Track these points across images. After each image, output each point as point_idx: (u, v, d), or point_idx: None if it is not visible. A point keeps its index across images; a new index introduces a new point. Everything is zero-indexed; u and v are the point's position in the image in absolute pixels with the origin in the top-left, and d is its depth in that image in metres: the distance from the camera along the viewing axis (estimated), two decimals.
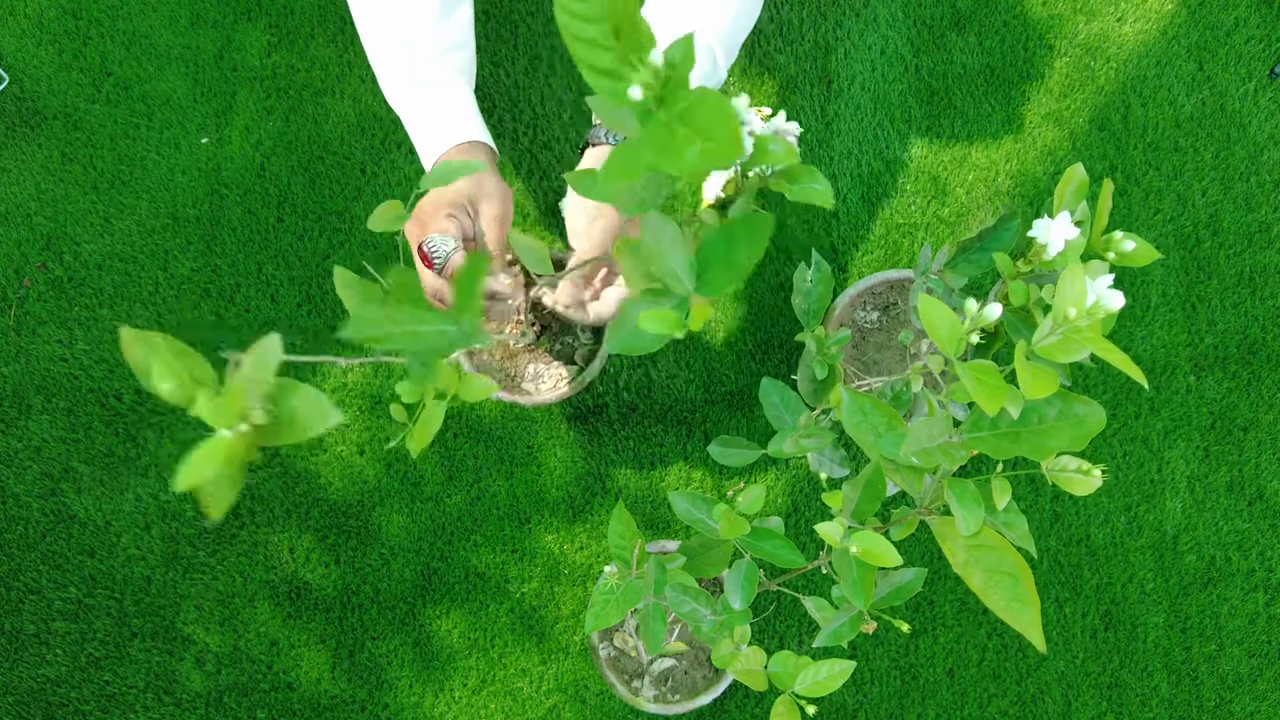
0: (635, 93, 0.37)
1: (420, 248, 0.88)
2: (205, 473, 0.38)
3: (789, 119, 1.37)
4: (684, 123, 0.36)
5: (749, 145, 0.43)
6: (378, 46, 1.02)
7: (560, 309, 1.01)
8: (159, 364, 0.42)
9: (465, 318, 0.46)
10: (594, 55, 0.37)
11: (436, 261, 0.86)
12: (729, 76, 1.39)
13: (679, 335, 0.46)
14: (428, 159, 1.00)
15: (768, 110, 1.43)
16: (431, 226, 0.89)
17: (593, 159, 0.92)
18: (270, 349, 0.43)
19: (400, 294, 0.47)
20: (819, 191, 0.48)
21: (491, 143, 0.99)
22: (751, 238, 0.45)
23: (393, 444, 0.69)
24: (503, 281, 0.99)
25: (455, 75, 1.01)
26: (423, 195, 0.85)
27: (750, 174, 0.51)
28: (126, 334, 0.44)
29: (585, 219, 0.96)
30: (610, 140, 0.92)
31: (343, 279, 0.57)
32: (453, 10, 1.02)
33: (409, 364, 0.49)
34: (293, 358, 0.51)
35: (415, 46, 1.00)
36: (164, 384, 0.42)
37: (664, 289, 0.47)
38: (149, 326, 1.32)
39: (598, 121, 0.91)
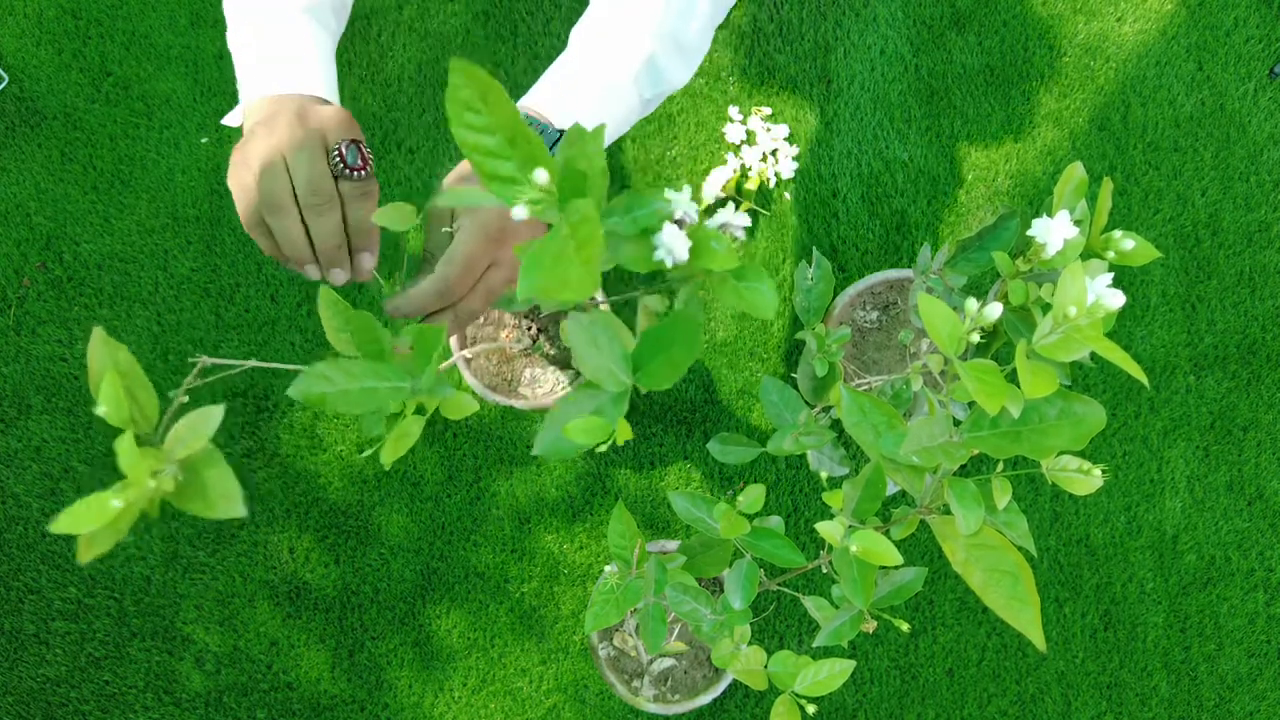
0: (519, 212, 0.38)
1: (341, 153, 0.74)
2: (85, 527, 0.39)
3: (787, 122, 1.37)
4: (572, 238, 0.36)
5: (683, 245, 0.43)
6: None
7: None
8: (110, 382, 0.42)
9: (423, 374, 0.46)
10: (494, 165, 0.38)
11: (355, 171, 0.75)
12: (729, 86, 1.39)
13: (603, 446, 0.46)
14: (253, 97, 0.80)
15: (768, 110, 1.43)
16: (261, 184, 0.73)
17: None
18: (209, 419, 0.43)
19: (358, 341, 0.47)
20: (762, 295, 0.46)
21: (327, 94, 0.82)
22: (688, 335, 0.45)
23: (366, 453, 0.68)
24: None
25: (300, 15, 0.84)
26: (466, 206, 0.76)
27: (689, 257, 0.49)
28: (98, 335, 0.44)
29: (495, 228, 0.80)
30: None
31: (326, 300, 0.57)
32: None
33: (364, 420, 0.49)
34: (267, 364, 0.51)
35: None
36: (105, 403, 0.42)
37: (596, 384, 0.48)
38: (148, 326, 1.32)
39: (520, 106, 0.81)
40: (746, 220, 0.49)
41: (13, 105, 1.38)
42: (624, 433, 0.48)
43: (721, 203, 1.35)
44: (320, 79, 0.81)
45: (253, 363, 0.53)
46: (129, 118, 1.38)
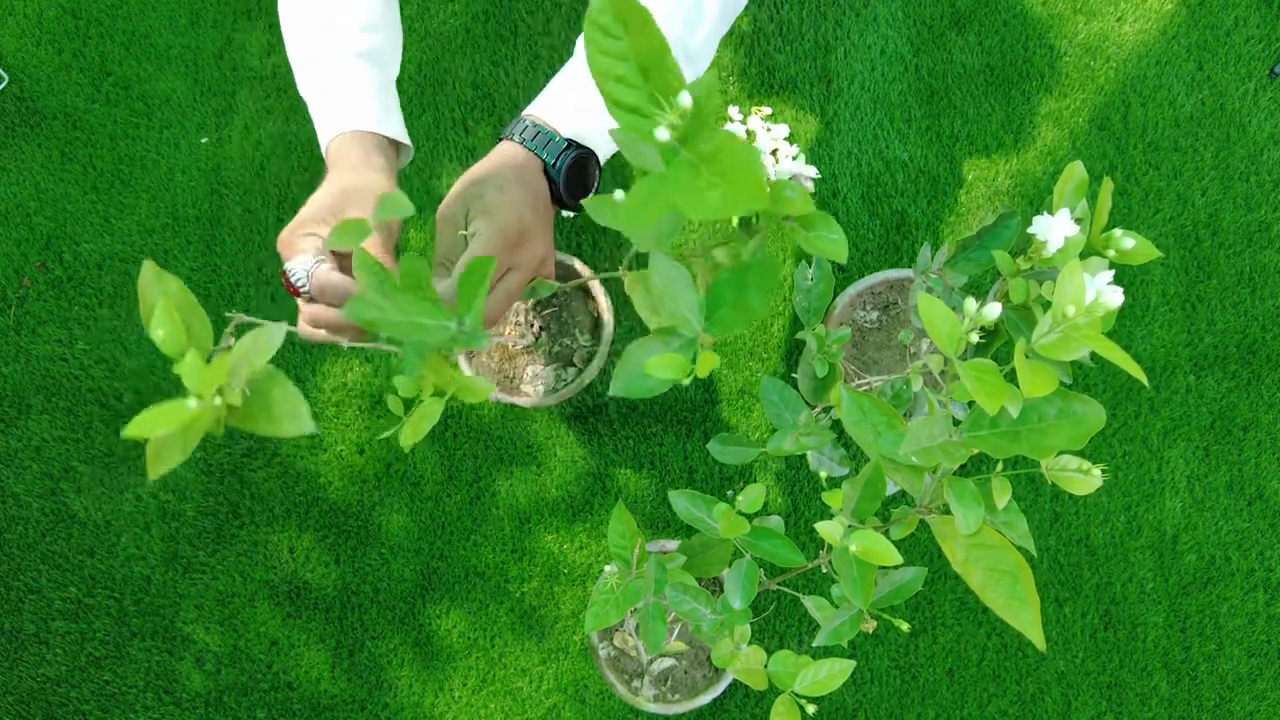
0: (662, 134, 0.37)
1: (282, 276, 0.77)
2: (158, 429, 0.38)
3: (787, 122, 1.37)
4: (708, 165, 0.35)
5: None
6: (288, 24, 0.91)
7: None
8: (164, 307, 0.42)
9: (468, 318, 0.46)
10: (622, 92, 0.37)
11: (301, 287, 0.76)
12: (724, 75, 1.39)
13: (685, 381, 0.46)
14: (323, 145, 0.86)
15: (768, 110, 1.43)
16: (295, 248, 0.78)
17: (497, 155, 0.81)
18: (273, 335, 0.43)
19: (407, 282, 0.47)
20: (833, 243, 0.47)
21: (395, 133, 0.87)
22: (763, 280, 0.45)
23: (386, 434, 0.68)
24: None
25: (356, 60, 0.88)
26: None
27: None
28: (148, 267, 0.43)
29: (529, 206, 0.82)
30: (525, 139, 0.81)
31: (361, 261, 0.56)
32: (384, 26, 0.91)
33: (405, 355, 0.48)
34: (294, 328, 0.51)
35: (320, 25, 0.89)
36: (160, 329, 0.42)
37: (672, 329, 0.47)
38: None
39: (526, 114, 0.82)
40: (816, 172, 0.49)
41: (13, 105, 1.38)
42: (708, 363, 0.48)
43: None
44: (376, 116, 0.85)
45: (285, 324, 0.52)
46: (129, 118, 1.38)
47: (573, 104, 0.82)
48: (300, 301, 0.76)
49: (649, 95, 0.37)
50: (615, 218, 0.37)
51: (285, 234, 0.77)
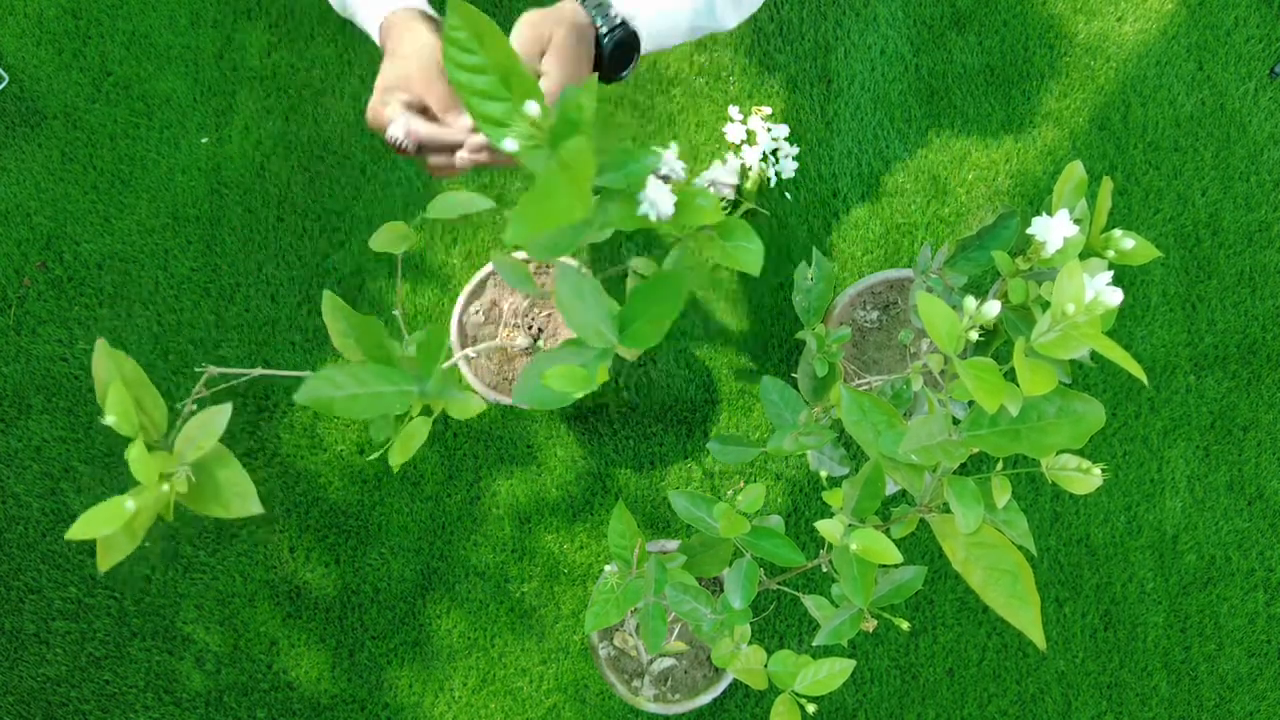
0: (509, 144, 0.37)
1: (388, 142, 0.86)
2: (101, 530, 0.39)
3: (787, 122, 1.37)
4: (564, 172, 0.36)
5: (668, 201, 0.43)
6: None
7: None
8: (116, 391, 0.42)
9: (429, 378, 0.46)
10: (487, 107, 0.38)
11: (405, 147, 0.85)
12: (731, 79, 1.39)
13: (581, 394, 0.46)
14: (372, 28, 0.93)
15: (768, 110, 1.43)
16: (384, 117, 0.86)
17: (565, 11, 0.86)
18: (217, 419, 0.43)
19: (364, 346, 0.47)
20: (749, 253, 0.46)
21: (431, 10, 0.94)
22: (674, 294, 0.45)
23: (373, 456, 0.68)
24: (461, 126, 0.89)
25: None
26: (447, 217, 0.83)
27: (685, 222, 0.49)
28: (101, 347, 0.44)
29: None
30: (584, 3, 0.87)
31: (330, 305, 0.57)
32: None
33: (372, 425, 0.49)
34: (273, 372, 0.51)
35: None
36: (113, 413, 0.42)
37: (582, 342, 0.47)
38: (148, 326, 1.32)
39: None
40: (734, 178, 0.49)
41: (13, 105, 1.38)
42: (601, 375, 0.47)
43: (734, 200, 1.35)
44: None
45: (259, 371, 0.53)
46: (129, 118, 1.38)
47: None
48: (418, 157, 0.86)
49: (508, 109, 0.38)
50: (514, 216, 0.38)
51: (371, 108, 0.85)
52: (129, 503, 0.40)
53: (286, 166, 1.36)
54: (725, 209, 0.57)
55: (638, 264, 0.57)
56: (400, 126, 0.84)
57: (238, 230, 1.35)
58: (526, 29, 0.84)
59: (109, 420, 0.42)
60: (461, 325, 1.19)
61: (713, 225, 0.47)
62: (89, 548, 1.29)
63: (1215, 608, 1.28)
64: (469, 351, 1.10)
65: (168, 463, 0.42)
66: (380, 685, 1.28)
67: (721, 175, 0.48)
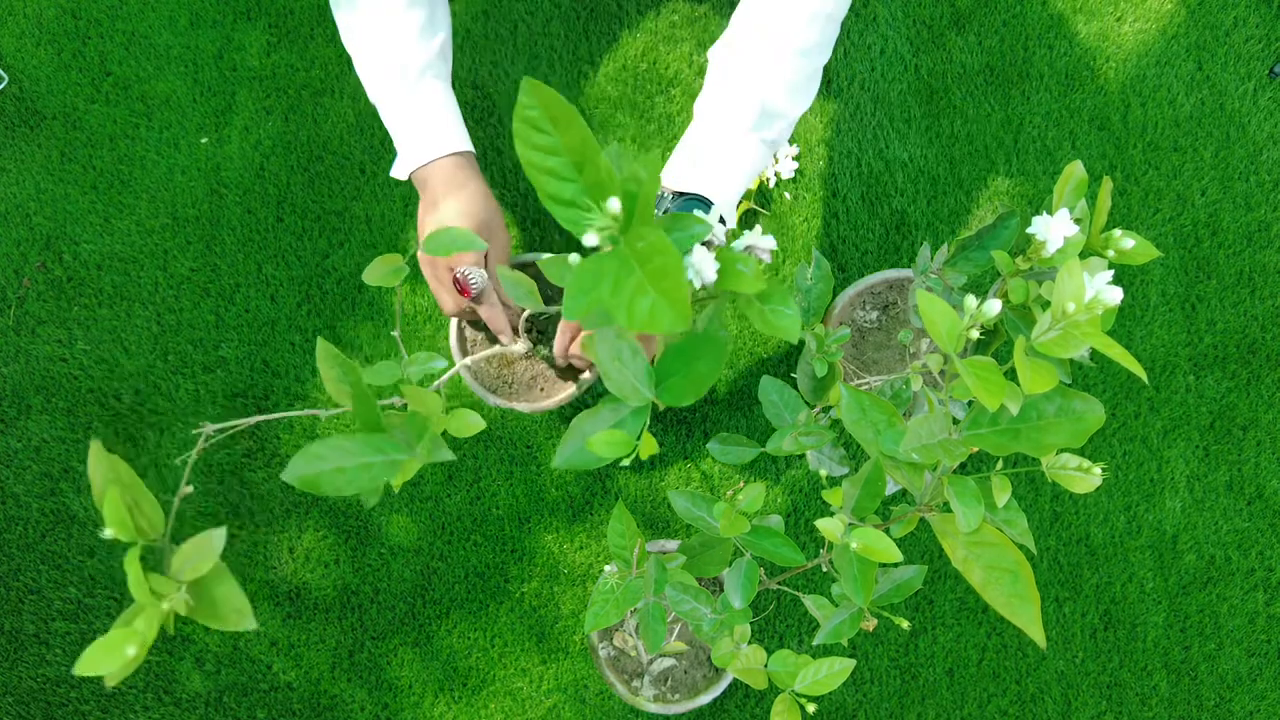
0: (590, 239, 0.37)
1: (456, 278, 1.00)
2: (106, 669, 0.41)
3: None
4: (641, 265, 0.36)
5: (712, 268, 0.43)
6: (364, 60, 1.06)
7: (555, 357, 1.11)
8: (113, 500, 0.43)
9: (421, 444, 0.46)
10: (555, 186, 0.38)
11: (474, 289, 1.00)
12: None
13: (626, 460, 0.46)
14: (411, 164, 1.05)
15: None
16: (462, 258, 1.01)
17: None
18: (214, 542, 0.44)
19: (357, 411, 0.48)
20: (787, 319, 0.47)
21: (471, 147, 1.07)
22: (713, 352, 0.45)
23: (371, 504, 0.69)
24: (513, 310, 1.09)
25: (437, 85, 1.06)
26: (441, 255, 0.89)
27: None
28: (95, 450, 0.44)
29: None
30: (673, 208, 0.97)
31: (324, 352, 0.57)
32: (437, 23, 1.05)
33: (363, 496, 0.49)
34: (268, 417, 0.51)
35: (400, 59, 1.04)
36: (111, 524, 0.43)
37: (620, 398, 0.47)
38: (148, 326, 1.32)
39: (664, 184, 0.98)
40: (773, 243, 0.49)
41: (12, 105, 1.38)
42: (648, 448, 0.48)
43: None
44: (453, 135, 1.05)
45: (257, 418, 0.53)
46: (129, 118, 1.38)
47: (685, 161, 0.98)
48: (447, 294, 1.04)
49: (583, 189, 0.38)
50: (562, 290, 0.38)
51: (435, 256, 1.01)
52: (130, 649, 0.41)
53: (286, 167, 1.36)
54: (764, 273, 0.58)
55: None
56: (481, 274, 0.99)
57: (237, 230, 1.35)
58: None
59: (107, 533, 0.43)
60: (461, 329, 1.19)
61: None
62: (89, 547, 1.29)
63: (1215, 607, 1.28)
64: (468, 361, 1.10)
65: (165, 585, 0.43)
66: (380, 685, 1.27)
67: (759, 241, 0.49)
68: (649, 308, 0.35)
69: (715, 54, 1.00)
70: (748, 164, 0.98)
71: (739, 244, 0.49)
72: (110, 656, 0.41)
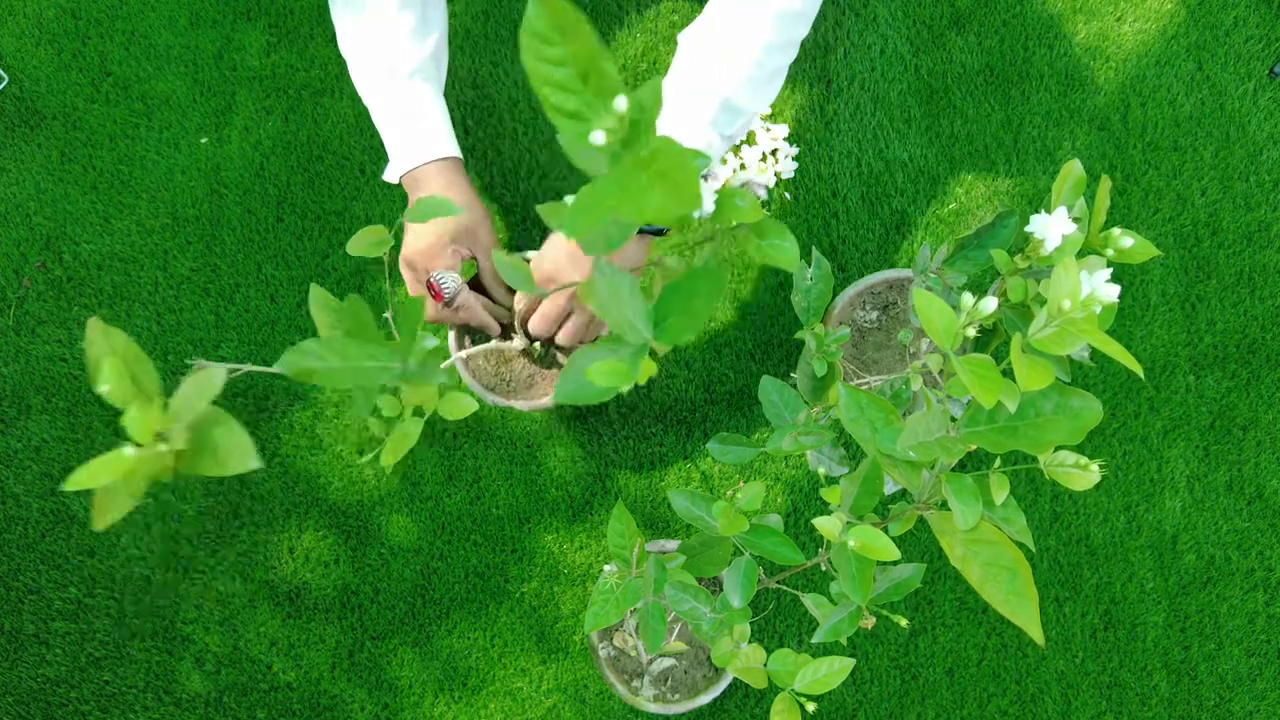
0: (598, 137, 0.37)
1: (429, 282, 0.99)
2: (100, 480, 0.39)
3: (787, 122, 1.37)
4: (646, 169, 0.36)
5: (710, 199, 0.43)
6: (356, 63, 1.07)
7: (532, 330, 1.10)
8: (111, 363, 0.42)
9: (410, 355, 0.46)
10: (561, 98, 0.38)
11: (446, 294, 0.98)
12: None
13: (625, 389, 0.46)
14: (401, 168, 1.05)
15: (767, 110, 1.42)
16: (437, 262, 1.00)
17: None
18: (214, 377, 0.43)
19: (348, 325, 0.47)
20: (785, 251, 0.47)
21: (459, 153, 1.08)
22: (711, 288, 0.45)
23: (366, 458, 0.69)
24: (508, 298, 1.10)
25: (426, 88, 1.07)
26: (420, 222, 0.89)
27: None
28: (94, 325, 0.44)
29: (566, 253, 1.02)
30: None
31: (318, 299, 0.57)
32: (430, 25, 1.06)
33: (353, 396, 0.49)
34: (264, 369, 0.51)
35: (390, 63, 1.05)
36: (106, 384, 0.42)
37: (619, 338, 0.47)
38: (148, 326, 1.32)
39: None
40: (770, 179, 0.50)
41: (12, 105, 1.38)
42: (648, 370, 0.48)
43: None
44: (440, 140, 1.05)
45: (249, 366, 0.53)
46: (129, 118, 1.38)
47: None
48: (439, 305, 1.02)
49: (588, 100, 0.37)
50: (561, 222, 0.38)
51: (431, 242, 1.00)
52: (129, 449, 0.39)
53: (286, 167, 1.36)
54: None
55: (669, 262, 0.58)
56: (453, 279, 0.99)
57: (237, 230, 1.35)
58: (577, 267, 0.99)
59: (102, 390, 0.42)
60: (460, 333, 1.19)
61: (749, 223, 0.48)
62: (89, 547, 1.29)
63: (1215, 607, 1.28)
64: (464, 353, 1.10)
65: (163, 420, 0.42)
66: (380, 685, 1.28)
67: (756, 177, 0.50)
68: (658, 199, 0.35)
69: (685, 39, 1.01)
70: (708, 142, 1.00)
71: (736, 180, 0.49)
72: (109, 467, 0.39)
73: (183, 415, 0.42)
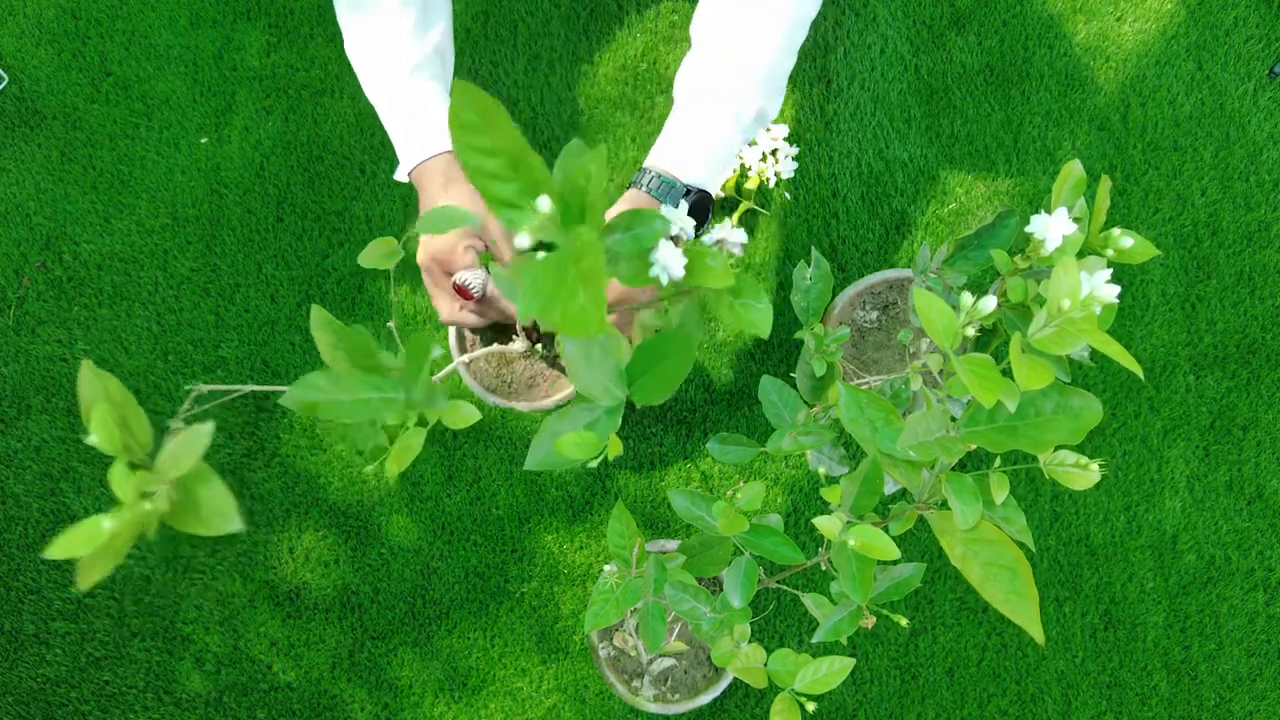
0: (522, 240, 0.37)
1: (456, 285, 1.00)
2: (79, 551, 0.39)
3: (787, 122, 1.37)
4: (575, 263, 0.35)
5: (679, 263, 0.43)
6: (360, 61, 1.07)
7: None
8: (101, 411, 0.42)
9: (414, 385, 0.46)
10: (497, 188, 0.38)
11: (475, 292, 0.98)
12: None
13: (593, 462, 0.46)
14: (407, 164, 1.05)
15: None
16: (459, 261, 0.99)
17: (628, 201, 0.98)
18: (199, 438, 0.43)
19: (351, 356, 0.47)
20: (758, 313, 0.46)
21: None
22: (682, 350, 0.45)
23: (371, 467, 0.69)
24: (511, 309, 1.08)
25: (430, 84, 1.06)
26: (431, 234, 0.89)
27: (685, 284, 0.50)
28: (86, 367, 0.43)
29: None
30: (651, 189, 0.97)
31: (319, 319, 0.57)
32: (431, 20, 1.06)
33: (357, 432, 0.49)
34: (259, 387, 0.51)
35: (395, 57, 1.05)
36: (96, 432, 0.42)
37: (591, 400, 0.47)
38: (148, 326, 1.32)
39: (648, 165, 0.98)
40: (743, 236, 0.49)
41: (13, 105, 1.38)
42: (614, 449, 0.48)
43: (723, 202, 1.35)
44: (445, 134, 1.03)
45: (250, 387, 0.53)
46: (129, 118, 1.38)
47: (685, 153, 0.98)
48: (445, 297, 1.01)
49: (520, 189, 0.37)
50: (519, 301, 0.37)
51: (443, 249, 0.99)
52: (106, 523, 0.39)
53: (286, 167, 1.36)
54: (735, 267, 0.57)
55: (645, 317, 0.58)
56: (477, 276, 0.97)
57: (237, 230, 1.35)
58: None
59: (92, 440, 0.42)
60: (460, 332, 1.19)
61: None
62: None
63: (1215, 607, 1.28)
64: (465, 358, 1.10)
65: (149, 480, 0.42)
66: (380, 685, 1.27)
67: (730, 235, 0.48)
68: (578, 309, 0.34)
69: (697, 32, 1.01)
70: (728, 159, 1.01)
71: (709, 238, 0.48)
72: (86, 539, 0.39)
73: (168, 473, 0.42)
